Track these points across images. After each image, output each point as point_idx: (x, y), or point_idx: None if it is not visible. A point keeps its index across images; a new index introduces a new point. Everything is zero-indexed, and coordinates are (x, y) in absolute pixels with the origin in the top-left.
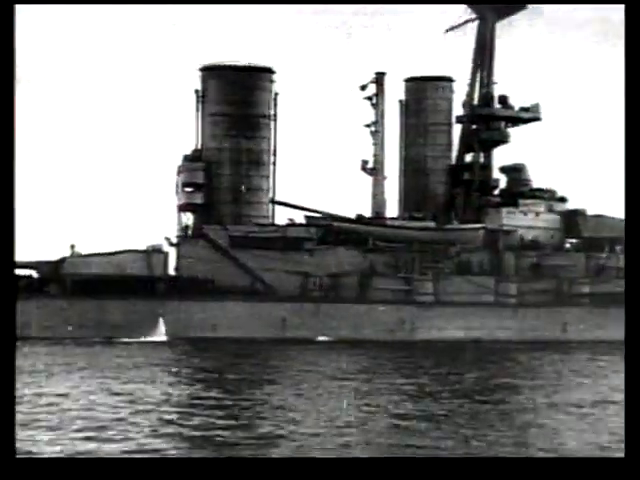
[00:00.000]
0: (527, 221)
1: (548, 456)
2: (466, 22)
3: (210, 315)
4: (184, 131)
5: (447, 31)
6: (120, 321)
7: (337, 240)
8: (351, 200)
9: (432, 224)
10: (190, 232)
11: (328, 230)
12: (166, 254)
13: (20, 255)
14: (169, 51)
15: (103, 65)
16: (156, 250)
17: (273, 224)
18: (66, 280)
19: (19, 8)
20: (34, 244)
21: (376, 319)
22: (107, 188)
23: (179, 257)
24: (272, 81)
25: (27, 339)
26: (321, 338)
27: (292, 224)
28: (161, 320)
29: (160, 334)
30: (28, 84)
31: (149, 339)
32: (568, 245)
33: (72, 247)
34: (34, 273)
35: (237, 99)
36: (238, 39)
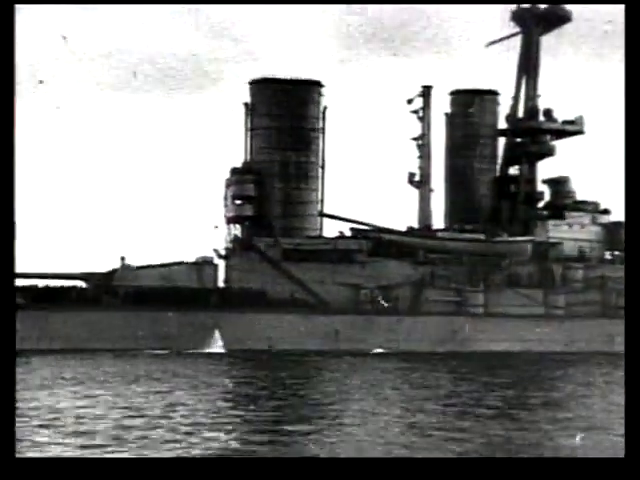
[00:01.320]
0: (573, 233)
1: (548, 456)
2: (511, 36)
3: (265, 327)
4: (232, 144)
5: (489, 44)
6: (176, 333)
7: (388, 252)
8: (398, 212)
9: (481, 236)
10: (239, 244)
11: (379, 242)
12: (216, 266)
13: (70, 267)
14: (219, 64)
15: (154, 77)
16: (206, 262)
17: (322, 236)
18: (118, 292)
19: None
20: (84, 256)
21: (428, 331)
22: (156, 200)
23: (229, 269)
24: (321, 94)
25: (81, 350)
26: (375, 350)
27: (343, 236)
28: (217, 332)
29: (217, 346)
30: (77, 96)
31: (206, 351)
32: (608, 257)
33: (122, 259)
34: (84, 284)
35: (286, 112)
36: (287, 53)
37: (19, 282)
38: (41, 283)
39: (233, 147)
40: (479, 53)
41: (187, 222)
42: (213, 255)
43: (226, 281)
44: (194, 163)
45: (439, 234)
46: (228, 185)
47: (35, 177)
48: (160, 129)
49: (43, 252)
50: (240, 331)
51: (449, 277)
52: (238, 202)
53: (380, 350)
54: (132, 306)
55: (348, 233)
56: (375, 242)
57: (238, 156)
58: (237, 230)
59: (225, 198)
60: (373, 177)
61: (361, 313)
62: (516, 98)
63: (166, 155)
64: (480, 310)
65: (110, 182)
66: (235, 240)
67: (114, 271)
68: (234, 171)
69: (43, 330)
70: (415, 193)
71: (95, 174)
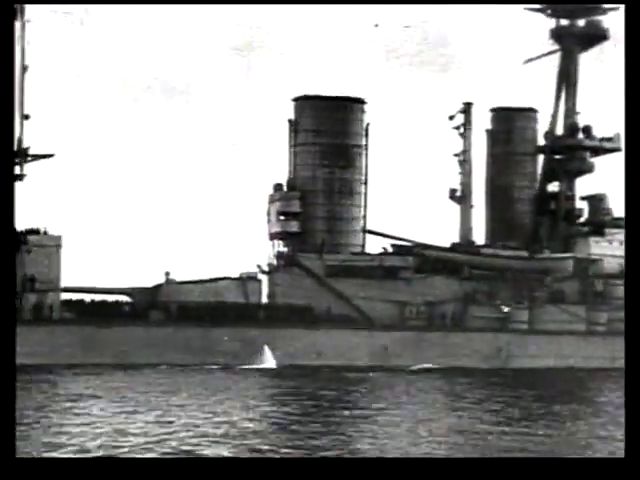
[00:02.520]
0: (613, 250)
1: (548, 456)
2: (549, 53)
3: (315, 343)
4: (274, 160)
5: (527, 62)
6: (226, 348)
7: (432, 269)
8: (438, 228)
9: (524, 253)
10: (284, 260)
11: (424, 259)
12: (260, 281)
13: (114, 281)
14: (263, 80)
15: (200, 94)
16: (251, 278)
17: (367, 253)
18: (168, 307)
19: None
20: (127, 270)
21: (473, 347)
22: (198, 215)
23: (273, 285)
24: (364, 111)
25: (132, 366)
26: (423, 366)
27: (387, 253)
28: (266, 347)
29: (267, 361)
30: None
31: (257, 366)
32: None
33: (167, 274)
34: (128, 299)
35: (330, 129)
36: (330, 69)
37: (65, 296)
38: (86, 297)
39: (276, 163)
40: (518, 70)
41: (229, 237)
42: (256, 270)
43: (269, 296)
44: (237, 178)
45: (483, 251)
46: (272, 201)
47: (82, 192)
48: (205, 144)
49: (88, 267)
50: (289, 347)
51: (493, 294)
52: (283, 218)
53: (427, 366)
54: (182, 321)
55: (389, 249)
56: (420, 259)
57: (280, 172)
58: (280, 246)
59: (268, 214)
60: (414, 193)
61: (408, 329)
62: (554, 115)
63: (210, 170)
64: (524, 326)
65: (154, 197)
66: (279, 256)
67: (159, 286)
68: (277, 187)
69: (92, 345)
70: (456, 209)
71: (141, 189)
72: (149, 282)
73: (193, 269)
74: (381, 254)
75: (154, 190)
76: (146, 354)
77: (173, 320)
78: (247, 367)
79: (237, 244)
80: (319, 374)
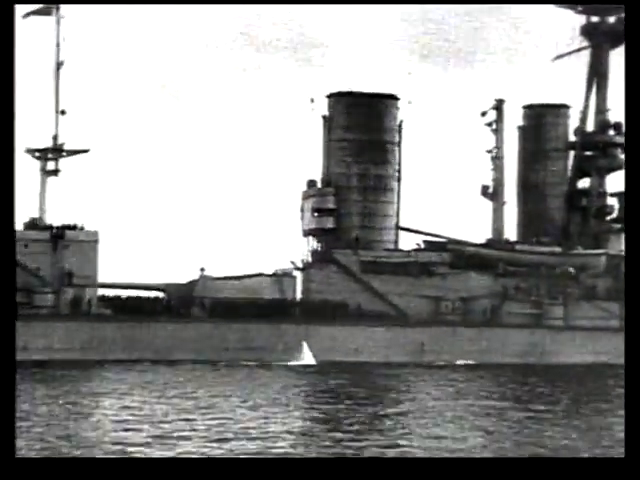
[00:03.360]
0: None
1: (548, 456)
2: (579, 50)
3: (352, 339)
4: (306, 156)
5: (556, 58)
6: (265, 344)
7: (467, 264)
8: (470, 224)
9: (558, 249)
10: (319, 256)
11: (458, 255)
12: (294, 278)
13: (147, 277)
14: (296, 77)
15: (234, 90)
16: (286, 274)
17: (401, 249)
18: (204, 303)
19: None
20: (160, 266)
21: (508, 343)
22: (230, 211)
23: (307, 281)
24: (397, 108)
25: (172, 362)
26: (459, 362)
27: (423, 249)
28: (305, 344)
29: (306, 358)
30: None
31: (297, 363)
32: None
33: (202, 270)
34: (161, 294)
35: (365, 125)
36: (363, 67)
37: (102, 292)
38: (119, 293)
39: (307, 158)
40: (549, 66)
41: (262, 233)
42: (290, 267)
43: (304, 293)
44: (270, 175)
45: (517, 247)
46: (306, 197)
47: (117, 188)
48: (238, 140)
49: (121, 263)
50: (327, 343)
51: (528, 290)
52: (318, 214)
53: (463, 362)
54: (219, 318)
55: (422, 245)
56: (455, 255)
57: (313, 168)
58: (314, 242)
59: (302, 210)
60: (446, 190)
61: (443, 325)
62: (585, 112)
63: (242, 166)
64: (559, 323)
65: (189, 192)
66: (314, 252)
67: (194, 282)
68: (311, 184)
69: (132, 341)
70: (488, 205)
71: (176, 185)
72: (182, 278)
73: (226, 265)
74: (416, 250)
75: (189, 186)
76: (184, 351)
77: (210, 316)
78: (287, 364)
79: (269, 240)
80: (362, 371)
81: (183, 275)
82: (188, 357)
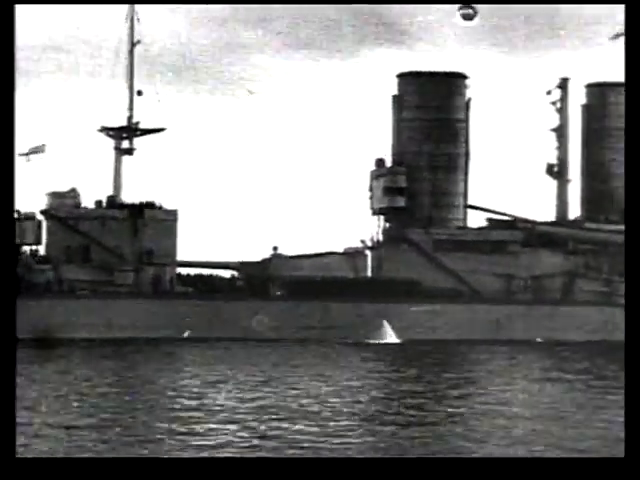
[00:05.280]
0: None
1: (548, 456)
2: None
3: (431, 317)
4: (372, 135)
5: (614, 37)
6: (346, 322)
7: (538, 243)
8: (534, 202)
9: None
10: (391, 235)
11: (530, 233)
12: (366, 256)
13: (219, 255)
14: (367, 56)
15: (301, 69)
16: (359, 252)
17: (474, 227)
18: (279, 281)
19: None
20: (231, 244)
21: (581, 320)
22: (298, 190)
23: (379, 260)
24: (466, 86)
25: (248, 340)
26: (535, 339)
27: (494, 227)
28: (385, 322)
29: (387, 336)
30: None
31: (379, 341)
32: None
33: (274, 249)
34: (235, 274)
35: (435, 104)
36: (431, 47)
37: (180, 270)
38: (191, 270)
39: (373, 137)
40: (612, 45)
41: (329, 212)
42: (361, 245)
43: (375, 271)
44: (338, 153)
45: (586, 225)
46: (376, 176)
47: (190, 167)
48: (308, 117)
49: (192, 240)
50: (406, 322)
51: (599, 267)
52: (390, 193)
53: (539, 340)
54: (300, 296)
55: (484, 223)
56: (526, 233)
57: (379, 147)
58: (382, 221)
59: (371, 189)
60: (511, 168)
61: (516, 303)
62: None
63: (311, 144)
64: None
65: (260, 171)
66: (386, 231)
67: (267, 260)
68: (379, 163)
69: (213, 319)
70: (552, 183)
71: (247, 163)
72: (251, 256)
73: (293, 243)
74: (488, 228)
75: (260, 164)
76: (267, 329)
77: (288, 294)
78: (370, 342)
79: (336, 219)
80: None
81: (253, 253)
82: (270, 336)
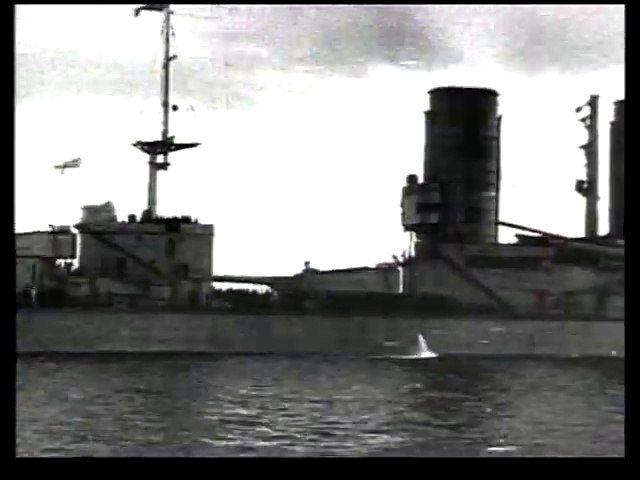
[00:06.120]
0: None
1: (548, 456)
2: None
3: (466, 332)
4: (403, 152)
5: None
6: (382, 337)
7: (570, 259)
8: (561, 219)
9: None
10: (425, 251)
11: (561, 249)
12: (399, 272)
13: (249, 271)
14: (396, 73)
15: (335, 86)
16: (392, 268)
17: (506, 243)
18: (313, 297)
19: None
20: (263, 260)
21: (614, 337)
22: (329, 205)
23: (412, 275)
24: (497, 103)
25: (295, 355)
26: (569, 355)
27: (526, 243)
28: (420, 337)
29: (423, 351)
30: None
31: (415, 356)
32: None
33: (306, 264)
34: (269, 289)
35: (467, 120)
36: (462, 64)
37: (216, 285)
38: (223, 285)
39: (403, 153)
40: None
41: (358, 228)
42: (393, 261)
43: (408, 287)
44: (369, 169)
45: (618, 242)
46: (409, 192)
47: (222, 182)
48: (341, 133)
49: (224, 255)
50: (442, 336)
51: None
52: (423, 209)
53: (574, 355)
54: (335, 311)
55: (513, 239)
56: (558, 249)
57: (409, 163)
58: (414, 236)
59: (402, 205)
60: (540, 184)
61: (549, 319)
62: None
63: (344, 160)
64: None
65: (292, 187)
66: (419, 247)
67: (300, 275)
68: (411, 179)
69: (252, 334)
70: (582, 201)
71: (279, 179)
72: (282, 271)
73: (323, 258)
74: (520, 245)
75: (292, 180)
76: (302, 343)
77: (324, 310)
78: (405, 357)
79: (366, 234)
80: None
81: (284, 268)
82: (309, 350)
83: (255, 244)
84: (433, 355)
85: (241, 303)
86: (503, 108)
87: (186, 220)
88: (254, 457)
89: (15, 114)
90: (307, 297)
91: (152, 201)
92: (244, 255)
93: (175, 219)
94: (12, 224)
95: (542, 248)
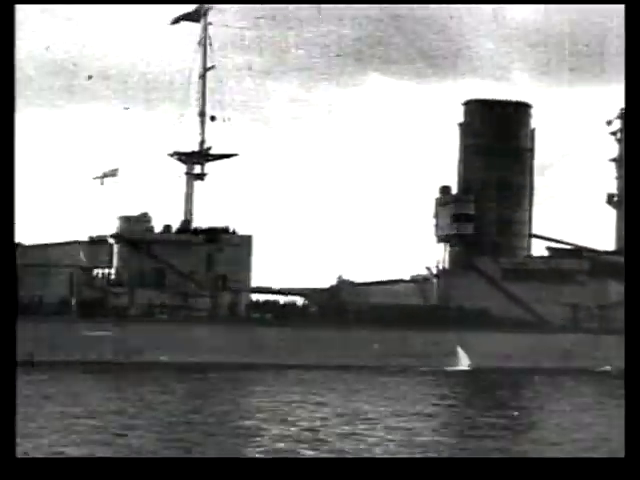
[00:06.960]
0: None
1: (548, 456)
2: None
3: (503, 345)
4: (436, 163)
5: None
6: (421, 350)
7: (604, 272)
8: (594, 232)
9: None
10: (459, 263)
11: (595, 262)
12: (433, 284)
13: (282, 282)
14: (434, 84)
15: (366, 97)
16: (427, 280)
17: (537, 256)
18: (356, 309)
19: None
20: (299, 271)
21: None
22: (362, 217)
23: (447, 287)
24: (530, 116)
25: (334, 368)
26: (604, 368)
27: (561, 256)
28: (459, 349)
29: (462, 363)
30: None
31: (455, 368)
32: None
33: (339, 276)
34: (302, 300)
35: (501, 132)
36: (496, 77)
37: (254, 297)
38: (259, 297)
39: (436, 165)
40: None
41: (392, 238)
42: (426, 273)
43: (442, 299)
44: (400, 180)
45: None
46: (442, 204)
47: (258, 192)
48: (374, 144)
49: (261, 266)
50: (478, 349)
51: None
52: (458, 221)
53: (609, 368)
54: (373, 324)
55: (544, 252)
56: (592, 262)
57: (446, 174)
58: (447, 248)
59: (436, 216)
60: (570, 197)
61: (584, 332)
62: None
63: (377, 171)
64: None
65: (328, 198)
66: (453, 258)
67: (335, 287)
68: (444, 190)
69: (293, 346)
70: (612, 213)
71: (316, 190)
72: (315, 283)
73: (356, 270)
74: (554, 257)
75: (326, 192)
76: (341, 356)
77: (361, 322)
78: (447, 369)
79: (398, 246)
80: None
81: (314, 280)
82: (349, 362)
83: (287, 255)
84: (468, 367)
85: (279, 314)
86: (536, 121)
87: (225, 231)
88: (254, 457)
89: (15, 120)
90: (346, 309)
91: (189, 212)
92: (277, 266)
93: (214, 229)
94: (12, 232)
95: (577, 261)
